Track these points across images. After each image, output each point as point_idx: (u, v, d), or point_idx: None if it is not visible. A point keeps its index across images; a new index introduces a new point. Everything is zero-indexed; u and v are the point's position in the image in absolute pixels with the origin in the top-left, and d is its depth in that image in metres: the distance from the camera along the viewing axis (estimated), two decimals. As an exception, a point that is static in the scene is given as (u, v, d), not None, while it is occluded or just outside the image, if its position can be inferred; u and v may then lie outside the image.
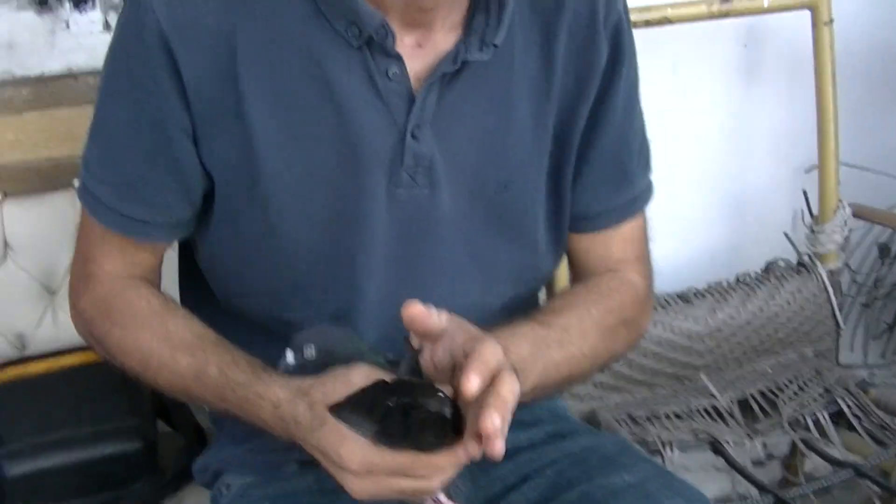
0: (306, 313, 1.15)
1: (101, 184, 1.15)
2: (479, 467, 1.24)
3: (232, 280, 1.20)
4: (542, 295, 1.45)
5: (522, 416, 1.30)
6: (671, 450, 1.74)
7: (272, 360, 1.07)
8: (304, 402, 1.00)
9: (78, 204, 1.62)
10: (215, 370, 1.10)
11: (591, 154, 1.22)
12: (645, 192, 1.30)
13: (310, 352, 1.03)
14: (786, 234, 2.03)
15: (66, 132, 1.66)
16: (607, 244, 1.28)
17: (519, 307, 1.23)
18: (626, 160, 1.26)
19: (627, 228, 1.28)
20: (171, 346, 1.13)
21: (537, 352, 1.09)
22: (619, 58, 1.20)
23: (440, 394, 0.90)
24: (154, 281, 1.23)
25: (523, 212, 1.22)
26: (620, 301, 1.23)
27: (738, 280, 1.97)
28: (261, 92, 1.08)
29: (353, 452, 0.95)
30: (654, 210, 2.06)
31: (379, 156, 1.12)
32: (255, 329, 1.18)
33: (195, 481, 1.37)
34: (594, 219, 1.26)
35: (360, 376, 0.98)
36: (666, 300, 1.90)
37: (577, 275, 1.31)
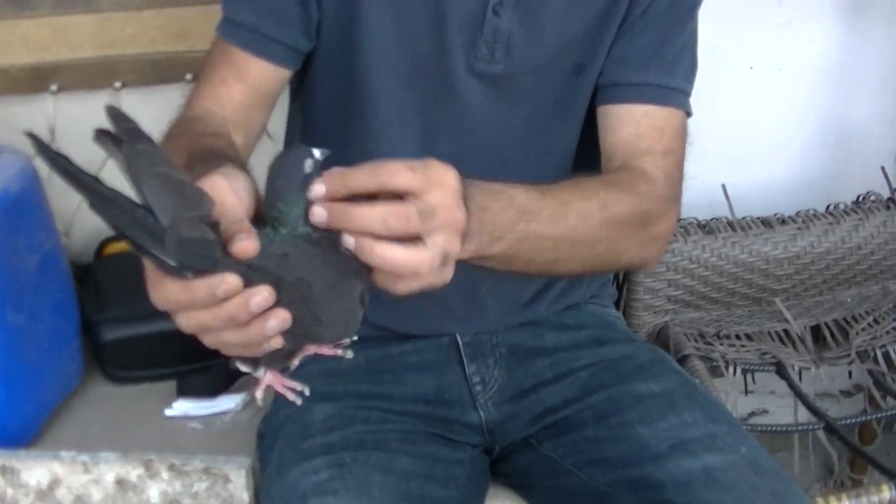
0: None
1: (240, 9, 1.22)
2: (517, 360, 1.34)
3: (321, 125, 1.30)
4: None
5: (567, 320, 1.39)
6: (734, 371, 1.79)
7: None
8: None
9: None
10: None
11: (631, 31, 1.24)
12: (681, 94, 1.27)
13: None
14: (882, 169, 2.02)
15: (181, 30, 1.77)
16: (637, 123, 1.23)
17: None
18: (665, 50, 1.25)
19: (659, 116, 1.24)
20: (180, 147, 1.05)
21: (518, 218, 1.01)
22: None
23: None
24: (245, 120, 1.22)
25: (589, 97, 1.27)
26: (636, 192, 1.15)
27: (826, 209, 1.98)
28: None
29: None
30: (756, 134, 2.09)
31: (462, 22, 1.20)
32: None
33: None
34: (624, 87, 1.25)
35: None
36: (748, 223, 1.92)
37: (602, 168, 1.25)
